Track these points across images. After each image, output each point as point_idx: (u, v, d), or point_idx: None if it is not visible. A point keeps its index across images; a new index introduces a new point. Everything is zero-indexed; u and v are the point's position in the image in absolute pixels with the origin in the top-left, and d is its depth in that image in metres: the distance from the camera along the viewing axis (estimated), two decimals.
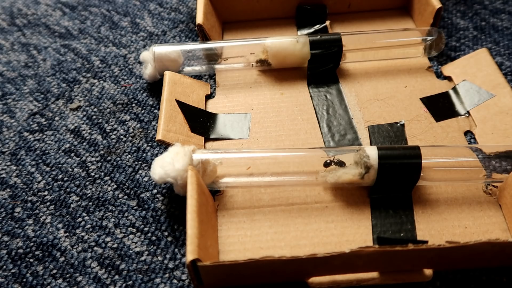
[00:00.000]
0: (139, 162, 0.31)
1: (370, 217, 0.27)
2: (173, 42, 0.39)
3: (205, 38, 0.36)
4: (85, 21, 0.42)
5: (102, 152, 0.31)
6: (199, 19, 0.35)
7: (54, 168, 0.30)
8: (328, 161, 0.26)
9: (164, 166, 0.26)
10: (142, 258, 0.26)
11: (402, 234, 0.26)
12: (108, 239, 0.27)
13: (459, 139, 0.30)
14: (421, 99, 0.33)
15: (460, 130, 0.31)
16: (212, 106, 0.33)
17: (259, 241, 0.26)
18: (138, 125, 0.33)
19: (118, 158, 0.31)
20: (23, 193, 0.29)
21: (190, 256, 0.21)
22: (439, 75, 0.35)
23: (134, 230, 0.27)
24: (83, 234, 0.27)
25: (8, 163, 0.31)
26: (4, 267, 0.26)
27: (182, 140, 0.29)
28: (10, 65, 0.38)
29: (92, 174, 0.30)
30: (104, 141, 0.32)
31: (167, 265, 0.26)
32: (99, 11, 0.43)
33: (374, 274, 0.23)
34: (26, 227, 0.27)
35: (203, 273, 0.22)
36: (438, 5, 0.35)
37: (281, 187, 0.28)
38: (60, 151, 0.31)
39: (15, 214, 0.28)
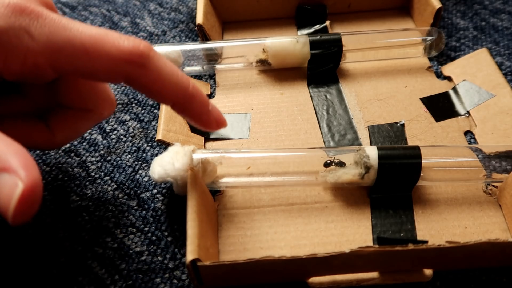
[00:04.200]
0: (139, 162, 0.31)
1: (370, 217, 0.27)
2: (173, 42, 0.39)
3: (205, 38, 0.36)
4: (85, 21, 0.42)
5: (102, 152, 0.31)
6: (199, 19, 0.35)
7: (54, 168, 0.30)
8: (328, 161, 0.26)
9: (164, 166, 0.26)
10: (142, 258, 0.26)
11: (402, 234, 0.26)
12: (108, 239, 0.27)
13: (459, 139, 0.30)
14: (421, 99, 0.33)
15: (460, 130, 0.31)
16: None
17: (259, 241, 0.26)
18: (138, 125, 0.33)
19: (118, 158, 0.31)
20: None
21: (190, 256, 0.21)
22: (439, 75, 0.35)
23: (134, 230, 0.27)
24: (83, 234, 0.27)
25: None
26: (5, 267, 0.26)
27: (182, 140, 0.29)
28: None
29: (92, 174, 0.30)
30: (104, 141, 0.32)
31: (167, 265, 0.26)
32: (99, 11, 0.43)
33: (374, 274, 0.23)
34: (26, 227, 0.27)
35: (203, 273, 0.22)
36: (438, 5, 0.35)
37: (281, 187, 0.28)
38: (60, 151, 0.31)
39: None
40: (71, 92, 0.24)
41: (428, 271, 0.23)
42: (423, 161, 0.25)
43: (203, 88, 0.34)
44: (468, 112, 0.32)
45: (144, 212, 0.28)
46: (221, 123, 0.24)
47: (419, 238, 0.25)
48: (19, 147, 0.18)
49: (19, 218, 0.17)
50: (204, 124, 0.23)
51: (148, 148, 0.31)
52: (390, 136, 0.31)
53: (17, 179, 0.17)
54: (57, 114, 0.24)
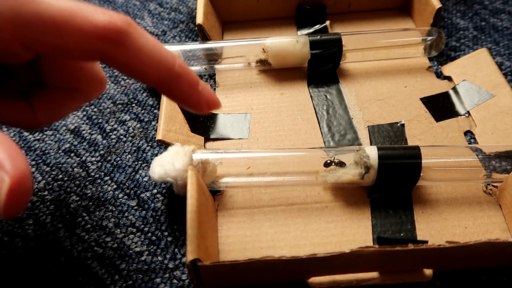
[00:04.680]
0: (139, 162, 0.31)
1: (370, 217, 0.27)
2: (173, 42, 0.39)
3: (205, 38, 0.36)
4: None
5: (102, 152, 0.31)
6: (199, 19, 0.35)
7: (54, 168, 0.30)
8: (328, 161, 0.26)
9: (164, 166, 0.26)
10: (142, 258, 0.26)
11: (402, 234, 0.26)
12: (108, 239, 0.27)
13: (459, 139, 0.30)
14: (421, 99, 0.33)
15: (460, 130, 0.31)
16: None
17: (259, 241, 0.26)
18: (138, 125, 0.33)
19: (118, 158, 0.31)
20: None
21: (190, 256, 0.21)
22: (439, 75, 0.35)
23: (134, 230, 0.27)
24: (83, 234, 0.27)
25: None
26: (5, 268, 0.26)
27: (182, 140, 0.29)
28: None
29: (92, 174, 0.30)
30: (104, 141, 0.32)
31: (167, 265, 0.26)
32: None
33: (374, 274, 0.23)
34: (26, 227, 0.27)
35: (203, 273, 0.22)
36: (438, 5, 0.35)
37: (281, 187, 0.28)
38: (60, 151, 0.31)
39: None
40: (53, 70, 0.22)
41: (428, 271, 0.23)
42: (423, 161, 0.25)
43: None
44: (468, 112, 0.32)
45: (144, 212, 0.28)
46: (213, 104, 0.22)
47: (419, 238, 0.25)
48: (2, 135, 0.17)
49: (10, 212, 0.16)
50: (194, 106, 0.21)
51: (148, 148, 0.31)
52: (390, 136, 0.31)
53: (3, 173, 0.16)
54: (40, 93, 0.22)
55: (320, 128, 0.31)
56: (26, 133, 0.33)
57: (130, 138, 0.32)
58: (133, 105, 0.34)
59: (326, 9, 0.39)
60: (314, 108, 0.33)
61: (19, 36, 0.18)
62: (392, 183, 0.26)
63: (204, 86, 0.21)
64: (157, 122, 0.33)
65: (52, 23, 0.18)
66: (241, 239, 0.26)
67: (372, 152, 0.26)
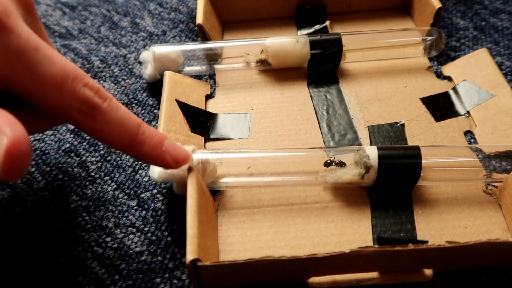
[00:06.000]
0: (139, 162, 0.31)
1: (370, 217, 0.27)
2: (173, 42, 0.39)
3: (205, 38, 0.36)
4: (85, 21, 0.42)
5: (102, 152, 0.31)
6: (199, 19, 0.35)
7: (54, 168, 0.30)
8: (328, 161, 0.26)
9: None
10: (142, 258, 0.26)
11: (402, 234, 0.26)
12: (108, 239, 0.27)
13: (459, 139, 0.30)
14: (421, 99, 0.33)
15: (460, 130, 0.31)
16: (212, 106, 0.33)
17: (259, 241, 0.26)
18: None
19: (118, 158, 0.31)
20: (23, 193, 0.29)
21: (190, 256, 0.21)
22: (439, 75, 0.35)
23: (134, 230, 0.27)
24: (83, 234, 0.27)
25: None
26: (5, 268, 0.26)
27: (182, 140, 0.29)
28: None
29: (92, 174, 0.30)
30: None
31: (167, 265, 0.26)
32: (99, 11, 0.43)
33: (374, 274, 0.23)
34: (26, 227, 0.27)
35: (203, 273, 0.22)
36: (438, 5, 0.35)
37: (281, 187, 0.28)
38: (60, 151, 0.31)
39: (16, 214, 0.28)
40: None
41: (428, 271, 0.23)
42: (423, 161, 0.25)
43: (203, 88, 0.34)
44: (468, 112, 0.32)
45: (144, 212, 0.28)
46: (180, 160, 0.23)
47: (419, 238, 0.25)
48: (1, 109, 0.18)
49: (10, 173, 0.17)
50: (160, 165, 0.24)
51: None
52: (390, 136, 0.31)
53: (2, 135, 0.17)
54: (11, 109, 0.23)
55: (320, 128, 0.31)
56: None
57: None
58: (133, 105, 0.34)
59: (326, 9, 0.39)
60: (314, 108, 0.33)
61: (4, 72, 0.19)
62: (392, 183, 0.26)
63: (169, 145, 0.23)
64: (157, 122, 0.33)
65: (40, 82, 0.20)
66: (241, 239, 0.26)
67: (372, 152, 0.26)
